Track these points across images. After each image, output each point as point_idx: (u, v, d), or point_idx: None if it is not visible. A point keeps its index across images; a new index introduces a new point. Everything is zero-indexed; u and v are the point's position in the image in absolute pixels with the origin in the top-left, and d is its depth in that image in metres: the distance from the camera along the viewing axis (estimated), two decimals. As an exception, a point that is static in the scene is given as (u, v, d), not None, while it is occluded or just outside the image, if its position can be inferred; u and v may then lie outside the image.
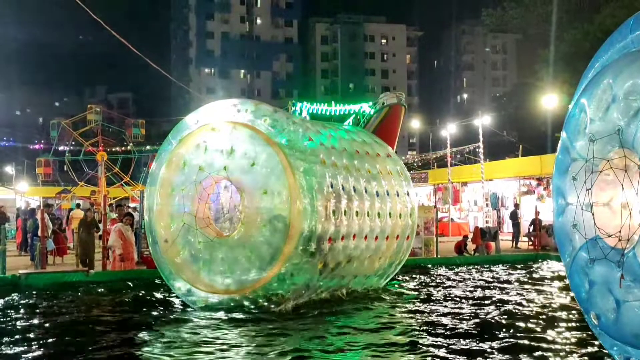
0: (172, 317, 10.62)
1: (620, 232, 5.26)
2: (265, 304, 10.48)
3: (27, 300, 12.13)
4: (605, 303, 5.43)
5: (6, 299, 12.21)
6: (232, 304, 10.57)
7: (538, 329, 9.15)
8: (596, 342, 7.58)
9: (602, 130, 5.42)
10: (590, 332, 8.41)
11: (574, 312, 10.32)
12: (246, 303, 10.50)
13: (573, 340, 8.47)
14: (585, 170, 5.54)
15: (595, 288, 5.54)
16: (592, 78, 5.72)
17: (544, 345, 8.17)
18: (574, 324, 9.42)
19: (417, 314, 10.69)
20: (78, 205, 30.84)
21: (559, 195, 6.02)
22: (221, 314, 10.41)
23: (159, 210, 11.09)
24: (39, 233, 17.05)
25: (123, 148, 38.53)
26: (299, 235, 10.13)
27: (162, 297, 12.25)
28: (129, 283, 13.98)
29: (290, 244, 10.09)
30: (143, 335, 9.25)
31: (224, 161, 10.50)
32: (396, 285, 14.08)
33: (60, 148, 38.92)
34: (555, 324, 9.55)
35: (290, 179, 10.13)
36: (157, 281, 13.02)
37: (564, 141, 5.96)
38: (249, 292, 10.37)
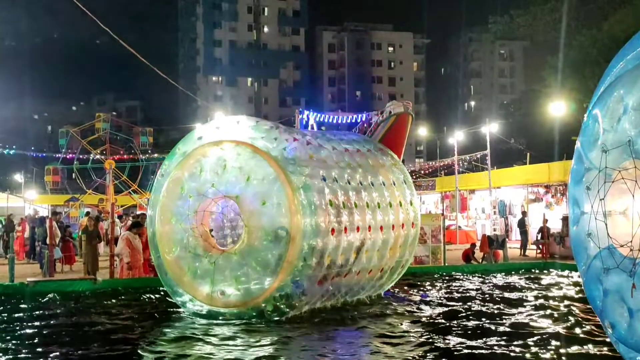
0: (177, 324, 10.63)
1: (632, 241, 5.26)
2: (270, 314, 10.53)
3: (34, 307, 12.16)
4: (619, 312, 5.44)
5: (14, 306, 12.24)
6: (237, 315, 10.63)
7: (544, 337, 9.08)
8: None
9: (615, 140, 5.45)
10: (601, 343, 8.41)
11: (581, 320, 10.26)
12: (251, 314, 10.57)
13: (582, 349, 8.41)
14: (599, 180, 5.55)
15: (609, 297, 5.56)
16: (605, 89, 5.74)
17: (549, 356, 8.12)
18: (581, 333, 9.35)
19: (417, 323, 10.64)
20: (87, 214, 30.96)
21: (574, 204, 6.05)
22: (226, 323, 10.44)
23: (163, 204, 11.15)
24: (48, 241, 17.12)
25: (131, 156, 38.68)
26: (300, 248, 10.17)
27: (168, 304, 12.24)
28: (136, 291, 14.01)
29: (292, 255, 10.13)
30: (148, 340, 9.26)
31: (226, 180, 10.58)
32: (399, 293, 14.03)
33: (69, 156, 39.12)
34: (560, 330, 9.49)
35: (289, 194, 10.16)
36: (164, 289, 13.01)
37: (579, 151, 6.01)
38: (254, 304, 10.43)
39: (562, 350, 8.37)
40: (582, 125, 6.07)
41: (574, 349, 8.47)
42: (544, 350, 8.36)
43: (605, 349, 8.12)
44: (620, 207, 5.56)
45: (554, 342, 8.80)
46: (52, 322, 10.78)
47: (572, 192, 6.13)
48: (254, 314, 10.54)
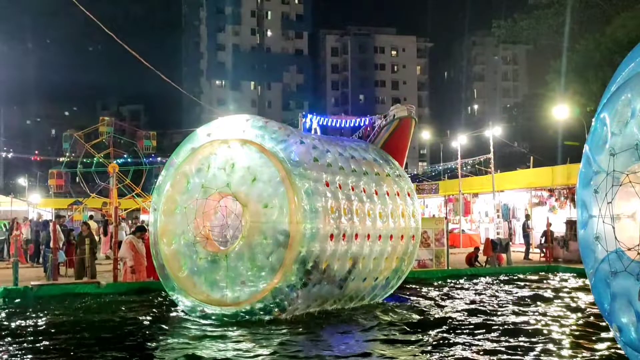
0: (181, 327, 10.63)
1: (639, 245, 5.25)
2: (264, 315, 10.57)
3: (38, 311, 12.17)
4: (627, 315, 5.44)
5: (18, 310, 12.26)
6: (233, 315, 10.66)
7: (547, 343, 9.06)
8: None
9: (622, 144, 5.46)
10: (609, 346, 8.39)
11: (588, 322, 10.24)
12: (246, 314, 10.60)
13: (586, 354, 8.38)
14: (607, 183, 5.56)
15: (616, 300, 5.56)
16: (613, 92, 5.74)
17: None
18: (589, 336, 9.32)
19: (420, 327, 10.63)
20: (91, 217, 30.96)
21: (582, 207, 6.06)
22: (225, 325, 10.47)
23: (162, 229, 11.23)
24: (51, 245, 17.15)
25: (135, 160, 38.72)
26: (298, 250, 10.19)
27: (171, 308, 12.25)
28: (140, 294, 14.03)
29: (290, 257, 10.15)
30: (153, 343, 9.27)
31: (227, 178, 10.61)
32: (402, 298, 14.01)
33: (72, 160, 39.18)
34: (568, 333, 9.46)
35: (290, 195, 10.19)
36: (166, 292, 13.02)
37: (587, 154, 6.02)
38: (249, 304, 10.44)
39: (570, 353, 8.35)
40: (590, 129, 6.08)
41: (581, 351, 8.45)
42: (552, 354, 8.34)
43: (613, 351, 8.12)
44: (628, 210, 5.55)
45: (560, 345, 8.78)
46: (55, 325, 10.79)
47: (580, 195, 6.14)
48: (247, 314, 10.55)
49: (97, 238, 26.46)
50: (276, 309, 10.55)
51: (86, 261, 17.10)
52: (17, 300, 13.46)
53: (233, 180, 10.55)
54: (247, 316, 10.60)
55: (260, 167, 10.44)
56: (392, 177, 13.17)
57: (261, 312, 10.57)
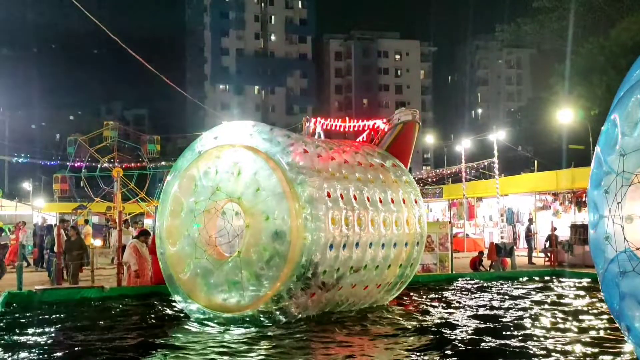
0: (184, 331, 10.63)
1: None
2: (267, 320, 10.54)
3: (42, 315, 12.19)
4: (635, 314, 5.47)
5: (22, 314, 12.28)
6: (234, 320, 10.65)
7: (551, 345, 9.02)
8: None
9: (632, 145, 5.49)
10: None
11: (596, 324, 10.21)
12: (249, 319, 10.59)
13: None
14: (617, 184, 5.59)
15: (625, 300, 5.59)
16: (624, 93, 5.76)
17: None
18: (597, 338, 9.29)
19: (422, 331, 10.60)
20: (86, 222, 30.96)
21: (593, 207, 6.09)
22: (229, 330, 10.47)
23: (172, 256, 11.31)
24: (55, 249, 17.14)
25: (139, 164, 38.85)
26: (299, 255, 10.16)
27: (175, 312, 12.26)
28: (144, 298, 14.04)
29: (291, 263, 10.13)
30: (157, 347, 9.27)
31: (228, 184, 10.65)
32: (404, 302, 13.99)
33: (77, 164, 39.33)
34: (576, 334, 9.42)
35: (291, 200, 10.19)
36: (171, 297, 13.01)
37: (598, 155, 6.07)
38: (252, 308, 10.42)
39: (579, 355, 8.33)
40: (601, 130, 6.12)
41: (591, 352, 8.43)
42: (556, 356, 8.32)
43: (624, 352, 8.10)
44: (638, 210, 5.57)
45: (564, 346, 8.75)
46: (59, 329, 10.80)
47: (591, 196, 6.17)
48: (249, 318, 10.54)
49: (100, 242, 26.47)
50: (287, 301, 10.53)
51: (91, 265, 17.12)
52: (22, 305, 13.46)
53: (220, 181, 10.64)
54: (275, 307, 10.51)
55: (245, 163, 10.55)
56: (399, 183, 13.14)
57: (287, 296, 10.47)
